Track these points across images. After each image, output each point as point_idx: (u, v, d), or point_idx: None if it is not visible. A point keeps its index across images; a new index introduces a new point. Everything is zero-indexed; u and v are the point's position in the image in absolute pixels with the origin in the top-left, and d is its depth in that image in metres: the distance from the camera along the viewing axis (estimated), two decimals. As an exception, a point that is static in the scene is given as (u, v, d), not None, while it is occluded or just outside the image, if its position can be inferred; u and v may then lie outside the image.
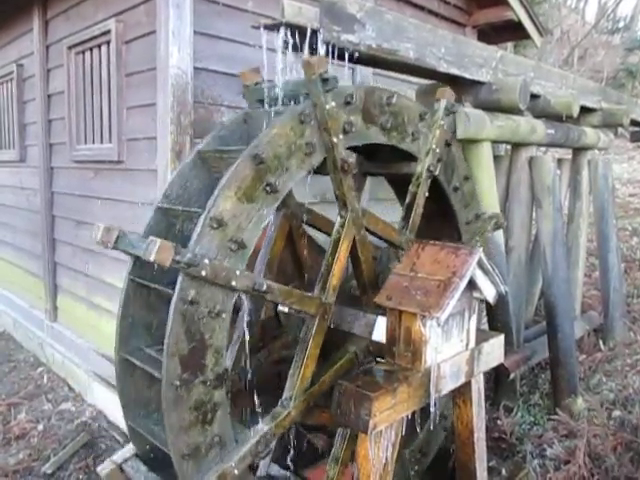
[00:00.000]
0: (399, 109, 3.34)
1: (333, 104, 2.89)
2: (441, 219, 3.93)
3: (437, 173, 3.60)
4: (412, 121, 3.45)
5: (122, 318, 3.01)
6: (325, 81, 2.84)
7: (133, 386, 3.04)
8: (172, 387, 2.46)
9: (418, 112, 3.49)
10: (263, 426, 2.81)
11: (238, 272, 2.58)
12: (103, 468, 3.16)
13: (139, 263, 2.91)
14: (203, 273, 2.45)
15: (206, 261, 2.46)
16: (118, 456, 3.14)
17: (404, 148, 3.44)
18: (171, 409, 2.47)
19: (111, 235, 2.67)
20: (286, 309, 3.54)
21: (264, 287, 2.70)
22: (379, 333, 3.18)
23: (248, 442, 2.73)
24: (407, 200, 3.54)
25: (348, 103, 3.00)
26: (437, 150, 3.57)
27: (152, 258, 2.33)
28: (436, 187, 3.69)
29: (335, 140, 2.92)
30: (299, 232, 3.85)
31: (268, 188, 2.69)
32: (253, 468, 3.55)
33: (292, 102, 3.11)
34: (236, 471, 2.63)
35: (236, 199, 2.58)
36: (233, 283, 2.55)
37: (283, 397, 2.97)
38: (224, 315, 2.58)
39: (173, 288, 2.48)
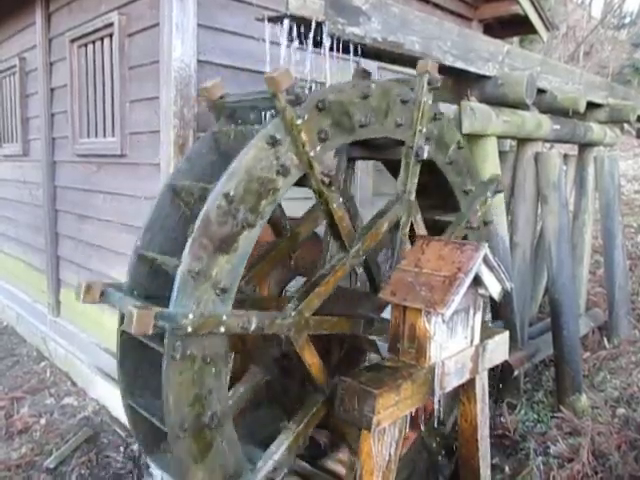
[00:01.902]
0: None
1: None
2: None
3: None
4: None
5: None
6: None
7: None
8: None
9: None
10: None
11: (225, 317, 2.48)
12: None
13: None
14: (189, 330, 2.36)
15: (191, 316, 2.36)
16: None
17: None
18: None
19: (95, 291, 2.63)
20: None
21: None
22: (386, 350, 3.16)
23: None
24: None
25: None
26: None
27: (133, 332, 2.24)
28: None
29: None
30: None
31: None
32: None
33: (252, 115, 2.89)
34: None
35: None
36: (222, 329, 2.47)
37: None
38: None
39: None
